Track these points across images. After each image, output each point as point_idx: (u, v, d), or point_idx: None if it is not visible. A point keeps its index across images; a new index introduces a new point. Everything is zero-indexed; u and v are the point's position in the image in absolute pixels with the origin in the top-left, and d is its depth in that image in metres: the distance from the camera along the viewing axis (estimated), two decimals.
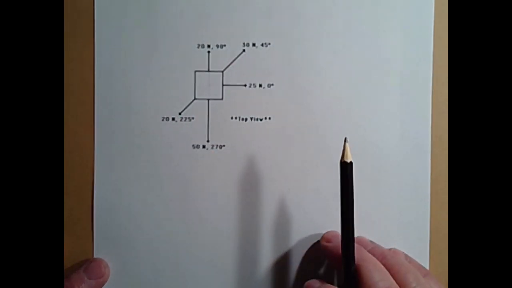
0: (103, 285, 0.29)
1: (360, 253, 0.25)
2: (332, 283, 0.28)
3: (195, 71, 0.29)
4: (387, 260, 0.25)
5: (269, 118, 0.29)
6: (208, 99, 0.30)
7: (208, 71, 0.29)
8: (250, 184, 0.29)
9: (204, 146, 0.30)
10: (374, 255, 0.25)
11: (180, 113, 0.30)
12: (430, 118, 0.29)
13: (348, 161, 0.25)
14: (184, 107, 0.30)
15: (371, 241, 0.28)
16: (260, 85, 0.29)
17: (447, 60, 0.29)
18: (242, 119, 0.29)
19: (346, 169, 0.25)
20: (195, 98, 0.30)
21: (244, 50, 0.29)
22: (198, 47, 0.29)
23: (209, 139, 0.30)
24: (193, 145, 0.30)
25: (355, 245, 0.25)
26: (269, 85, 0.29)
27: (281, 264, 0.29)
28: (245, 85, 0.29)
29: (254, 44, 0.29)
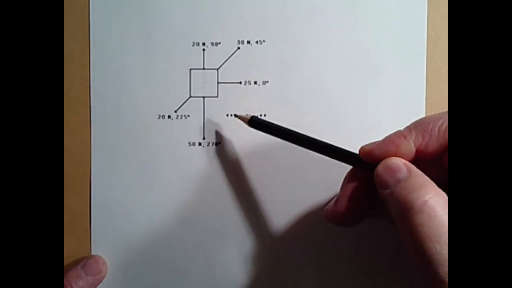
0: (100, 281, 0.29)
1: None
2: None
3: (190, 69, 0.30)
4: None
5: (264, 115, 0.30)
6: (204, 97, 0.30)
7: (203, 69, 0.30)
8: (246, 181, 0.30)
9: (200, 144, 0.30)
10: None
11: (175, 111, 0.30)
12: (424, 115, 0.29)
13: (249, 117, 0.26)
14: (180, 105, 0.30)
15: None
16: (255, 82, 0.30)
17: (440, 57, 0.29)
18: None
19: (256, 124, 0.26)
20: (190, 96, 0.30)
21: (238, 48, 0.29)
22: (193, 45, 0.30)
23: (205, 137, 0.30)
24: (189, 143, 0.30)
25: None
26: (264, 82, 0.30)
27: (281, 261, 0.30)
28: (240, 83, 0.30)
29: (248, 42, 0.29)
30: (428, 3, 0.29)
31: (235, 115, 0.28)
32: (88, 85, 0.30)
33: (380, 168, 0.22)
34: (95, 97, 0.30)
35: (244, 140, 0.30)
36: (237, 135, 0.30)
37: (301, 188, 0.29)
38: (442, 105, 0.29)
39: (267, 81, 0.30)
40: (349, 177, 0.25)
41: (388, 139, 0.23)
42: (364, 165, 0.24)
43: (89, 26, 0.30)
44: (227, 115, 0.30)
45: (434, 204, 0.20)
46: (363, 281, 0.30)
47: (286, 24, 0.29)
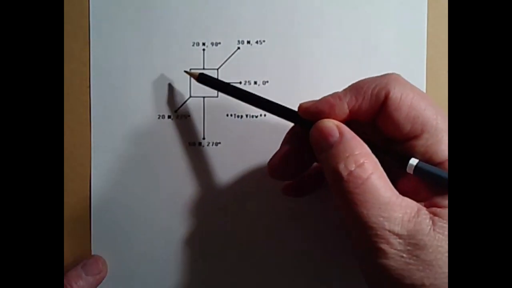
0: (101, 281, 0.29)
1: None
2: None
3: (190, 69, 0.30)
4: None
5: (265, 115, 0.30)
6: (204, 97, 0.30)
7: (203, 68, 0.30)
8: (246, 180, 0.30)
9: (200, 144, 0.30)
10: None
11: (176, 111, 0.30)
12: None
13: (197, 75, 0.27)
14: (180, 105, 0.30)
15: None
16: (255, 82, 0.30)
17: (440, 57, 0.29)
18: (238, 116, 0.30)
19: (204, 80, 0.27)
20: (190, 96, 0.30)
21: (239, 48, 0.29)
22: (193, 45, 0.30)
23: (205, 137, 0.30)
24: (189, 143, 0.30)
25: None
26: (264, 82, 0.30)
27: (278, 260, 0.30)
28: (240, 83, 0.30)
29: (248, 42, 0.29)
30: (428, 3, 0.29)
31: (185, 71, 0.28)
32: (88, 85, 0.30)
33: (314, 131, 0.23)
34: (95, 97, 0.30)
35: (244, 140, 0.30)
36: (237, 135, 0.30)
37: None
38: (442, 105, 0.29)
39: (267, 81, 0.30)
40: (290, 133, 0.26)
41: (324, 99, 0.24)
42: (303, 122, 0.24)
43: (89, 26, 0.30)
44: (227, 115, 0.30)
45: (361, 172, 0.21)
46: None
47: (286, 24, 0.29)
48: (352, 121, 0.23)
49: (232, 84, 0.27)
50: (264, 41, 0.29)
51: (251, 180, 0.30)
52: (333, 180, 0.21)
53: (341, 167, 0.21)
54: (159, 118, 0.30)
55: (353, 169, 0.21)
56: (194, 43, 0.30)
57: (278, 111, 0.25)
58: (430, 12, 0.29)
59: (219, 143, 0.30)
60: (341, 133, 0.22)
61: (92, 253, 0.30)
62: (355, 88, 0.23)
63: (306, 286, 0.30)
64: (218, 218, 0.30)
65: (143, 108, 0.30)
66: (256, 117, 0.30)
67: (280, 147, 0.26)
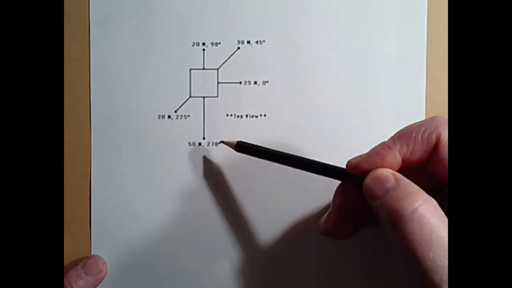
0: (100, 281, 0.29)
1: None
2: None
3: (190, 69, 0.30)
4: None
5: (265, 115, 0.30)
6: (204, 97, 0.30)
7: (203, 69, 0.30)
8: (246, 181, 0.30)
9: (200, 144, 0.30)
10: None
11: (176, 111, 0.30)
12: (424, 115, 0.29)
13: (235, 143, 0.27)
14: (180, 105, 0.30)
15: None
16: (255, 82, 0.30)
17: (440, 57, 0.29)
18: (238, 116, 0.30)
19: (242, 148, 0.27)
20: (190, 96, 0.30)
21: (239, 48, 0.30)
22: (193, 45, 0.30)
23: (205, 137, 0.30)
24: (189, 143, 0.30)
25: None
26: (264, 82, 0.30)
27: (280, 258, 0.30)
28: (240, 83, 0.30)
29: (248, 42, 0.29)
30: (428, 3, 0.29)
31: (222, 142, 0.29)
32: (88, 85, 0.30)
33: (368, 179, 0.22)
34: (95, 97, 0.30)
35: (244, 140, 0.30)
36: (237, 135, 0.30)
37: (301, 188, 0.29)
38: (442, 105, 0.29)
39: (267, 81, 0.30)
40: (339, 192, 0.25)
41: (374, 151, 0.23)
42: (352, 178, 0.24)
43: (89, 26, 0.30)
44: (227, 115, 0.30)
45: (424, 211, 0.20)
46: None
47: (286, 24, 0.29)
48: (402, 170, 0.23)
49: (269, 149, 0.27)
50: (264, 41, 0.29)
51: (251, 180, 0.30)
52: (394, 220, 0.20)
53: (403, 205, 0.20)
54: (159, 118, 0.30)
55: (416, 206, 0.20)
56: (194, 43, 0.30)
57: (323, 171, 0.25)
58: (430, 12, 0.29)
59: (219, 143, 0.30)
60: (397, 179, 0.21)
61: (92, 253, 0.30)
62: (404, 135, 0.23)
63: None
64: (217, 217, 0.30)
65: (143, 108, 0.30)
66: (256, 117, 0.30)
67: (333, 207, 0.25)
